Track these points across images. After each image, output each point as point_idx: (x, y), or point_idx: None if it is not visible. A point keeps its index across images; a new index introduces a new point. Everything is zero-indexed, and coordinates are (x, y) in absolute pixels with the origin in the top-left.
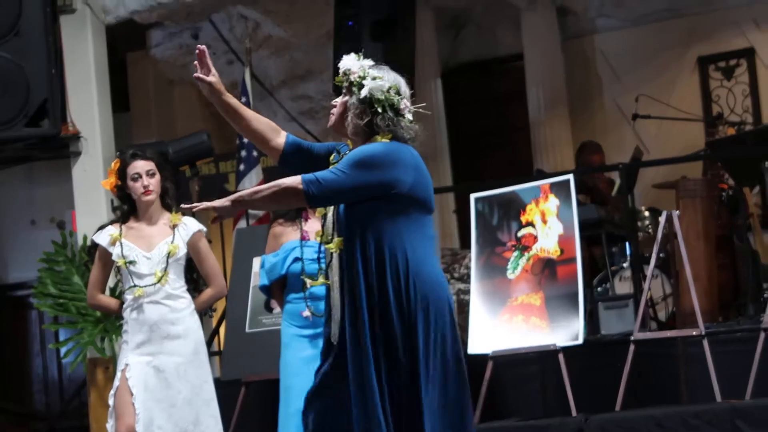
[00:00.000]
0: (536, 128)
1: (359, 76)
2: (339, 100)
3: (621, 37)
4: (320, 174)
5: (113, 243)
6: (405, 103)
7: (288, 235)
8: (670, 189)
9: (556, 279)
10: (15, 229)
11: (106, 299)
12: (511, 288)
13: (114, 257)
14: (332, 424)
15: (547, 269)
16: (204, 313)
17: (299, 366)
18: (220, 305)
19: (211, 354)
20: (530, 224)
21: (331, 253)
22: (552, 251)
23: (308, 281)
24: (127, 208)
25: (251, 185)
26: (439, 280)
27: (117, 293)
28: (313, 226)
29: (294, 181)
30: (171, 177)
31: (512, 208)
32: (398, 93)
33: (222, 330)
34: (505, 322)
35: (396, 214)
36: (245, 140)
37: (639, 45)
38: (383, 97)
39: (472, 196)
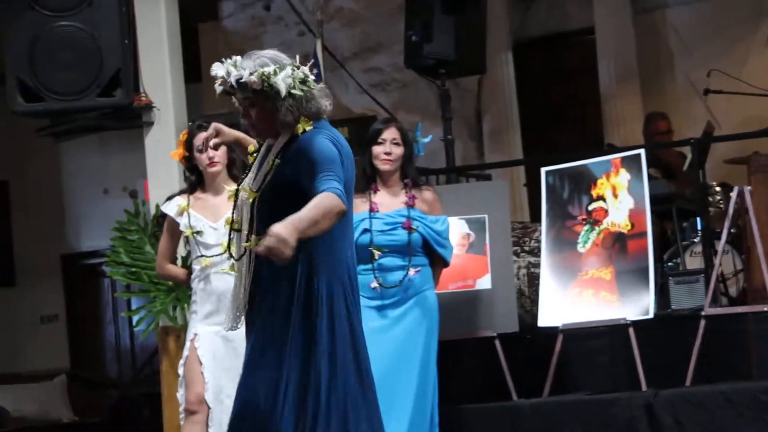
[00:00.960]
0: (607, 102)
1: (263, 80)
2: (250, 114)
3: (692, 11)
4: (339, 185)
5: (181, 213)
6: (304, 71)
7: (357, 206)
8: (742, 164)
9: (626, 253)
10: (88, 198)
11: (174, 269)
12: (582, 262)
13: (181, 227)
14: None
15: (617, 243)
16: None
17: (368, 336)
18: None
19: None
20: (601, 198)
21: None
22: (622, 225)
23: (376, 252)
24: (195, 178)
25: None
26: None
27: (188, 263)
28: (382, 198)
29: (336, 202)
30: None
31: (583, 182)
32: (296, 67)
33: None
34: (575, 296)
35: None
36: None
37: (710, 19)
38: (296, 82)
39: (543, 170)
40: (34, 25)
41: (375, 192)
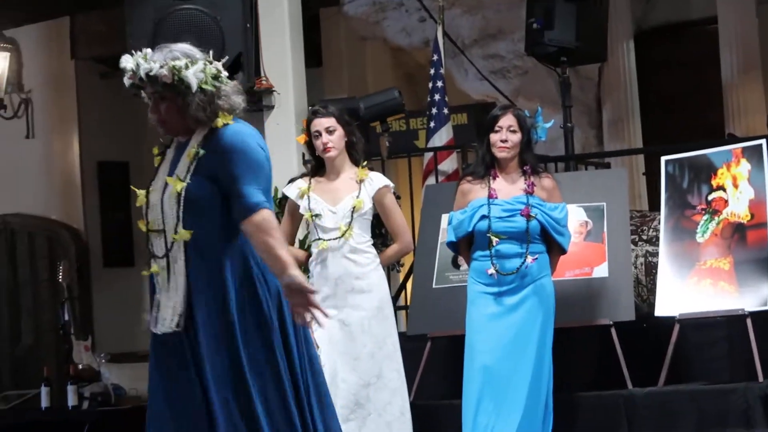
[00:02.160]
0: (729, 92)
1: (174, 74)
2: (160, 109)
3: None
4: (265, 196)
5: (301, 196)
6: (217, 66)
7: (476, 192)
8: None
9: (745, 244)
10: None
11: (294, 251)
12: (700, 251)
13: (301, 210)
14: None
15: (737, 234)
16: (391, 267)
17: (484, 322)
18: (408, 260)
19: (397, 309)
20: (721, 188)
21: (172, 243)
22: (742, 216)
23: (494, 239)
24: (316, 162)
25: (441, 142)
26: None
27: (306, 245)
28: (500, 184)
29: (269, 218)
30: (358, 132)
31: (703, 172)
32: (209, 62)
33: (409, 285)
34: (692, 286)
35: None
36: (436, 97)
37: None
38: (208, 77)
39: (663, 159)
40: (157, 9)
41: (494, 178)
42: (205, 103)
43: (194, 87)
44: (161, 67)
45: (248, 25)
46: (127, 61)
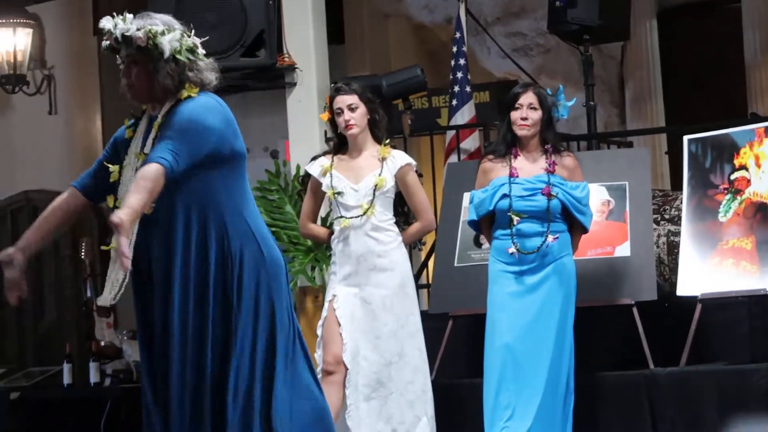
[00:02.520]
0: (752, 71)
1: (149, 38)
2: (131, 72)
3: None
4: (171, 160)
5: (324, 174)
6: (195, 41)
7: (497, 171)
8: None
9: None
10: None
11: (317, 228)
12: (722, 231)
13: (324, 188)
14: None
15: (759, 213)
16: (413, 246)
17: (505, 301)
18: (430, 239)
19: (419, 287)
20: (743, 167)
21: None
22: (765, 195)
23: (515, 218)
24: (338, 140)
25: (463, 120)
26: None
27: (328, 223)
28: (521, 163)
29: (154, 169)
30: (381, 109)
31: (726, 151)
32: (186, 35)
33: (431, 263)
34: (714, 266)
35: (218, 172)
36: (458, 75)
37: None
38: (183, 47)
39: (686, 138)
40: None
41: (515, 157)
42: (175, 72)
43: (167, 53)
44: (138, 29)
45: (270, 2)
46: (106, 22)
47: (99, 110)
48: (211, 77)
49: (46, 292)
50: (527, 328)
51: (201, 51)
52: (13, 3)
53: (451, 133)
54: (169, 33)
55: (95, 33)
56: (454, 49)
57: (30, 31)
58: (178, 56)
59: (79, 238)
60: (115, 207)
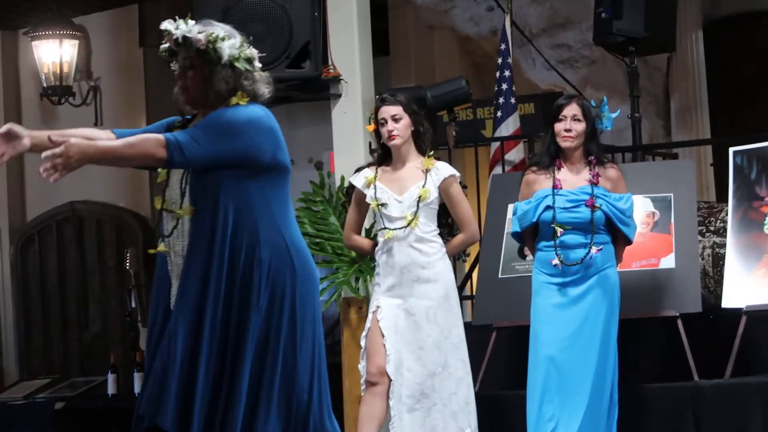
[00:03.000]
0: None
1: (209, 41)
2: (186, 75)
3: None
4: (183, 140)
5: (368, 185)
6: (253, 52)
7: (541, 182)
8: None
9: None
10: None
11: (361, 240)
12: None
13: (368, 199)
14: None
15: None
16: (457, 257)
17: (548, 313)
18: (474, 250)
19: (463, 298)
20: None
21: (177, 219)
22: None
23: (558, 229)
24: (382, 151)
25: (508, 132)
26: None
27: (372, 235)
28: (565, 175)
29: (158, 145)
30: (426, 121)
31: None
32: (245, 44)
33: (475, 275)
34: (760, 278)
35: (258, 182)
36: (503, 87)
37: None
38: (242, 56)
39: (731, 150)
40: None
41: (559, 169)
42: (230, 79)
43: (225, 58)
44: (199, 33)
45: (316, 14)
46: (168, 24)
47: (144, 121)
48: (265, 90)
49: (91, 302)
50: (571, 340)
51: (258, 64)
52: (59, 15)
53: (495, 145)
54: (229, 39)
55: (141, 44)
56: (499, 60)
57: (76, 42)
58: (235, 63)
59: (124, 250)
60: (163, 209)
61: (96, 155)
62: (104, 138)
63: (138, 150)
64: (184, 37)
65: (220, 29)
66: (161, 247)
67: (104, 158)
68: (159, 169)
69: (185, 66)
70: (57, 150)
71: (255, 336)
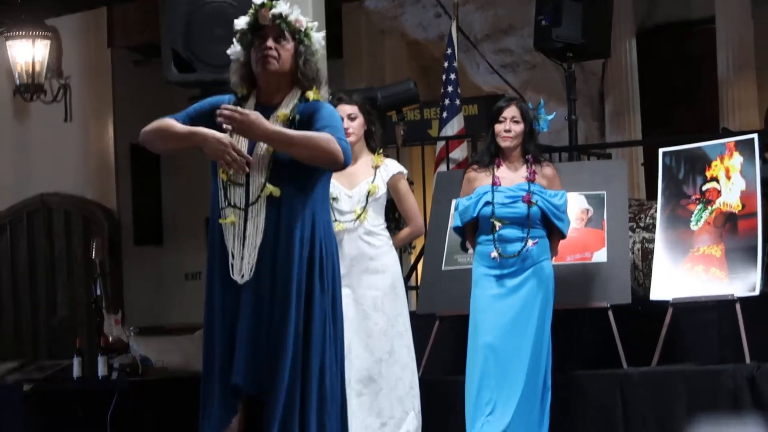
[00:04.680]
0: (724, 88)
1: (306, 27)
2: (282, 45)
3: None
4: (344, 145)
5: None
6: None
7: (481, 180)
8: None
9: (736, 232)
10: None
11: None
12: (694, 239)
13: None
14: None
15: (728, 223)
16: (403, 249)
17: (487, 303)
18: (419, 243)
19: (408, 288)
20: (714, 179)
21: (258, 197)
22: (734, 206)
23: (497, 224)
24: None
25: (452, 132)
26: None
27: None
28: (504, 172)
29: (333, 143)
30: (377, 121)
31: (698, 163)
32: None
33: (420, 266)
34: (686, 271)
35: (322, 184)
36: (449, 89)
37: None
38: (321, 53)
39: (661, 150)
40: (190, 1)
41: (498, 167)
42: (314, 67)
43: (315, 46)
44: (298, 16)
45: None
46: (283, 7)
47: (112, 118)
48: (324, 90)
49: (59, 289)
50: (508, 328)
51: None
52: (32, 16)
53: (441, 144)
54: (320, 34)
55: (109, 45)
56: (446, 64)
57: (48, 42)
58: (318, 56)
59: (90, 239)
60: (229, 182)
61: (269, 133)
62: None
63: (313, 143)
64: (282, 15)
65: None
66: (231, 218)
67: (276, 140)
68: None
69: (280, 37)
70: (241, 110)
71: (321, 315)
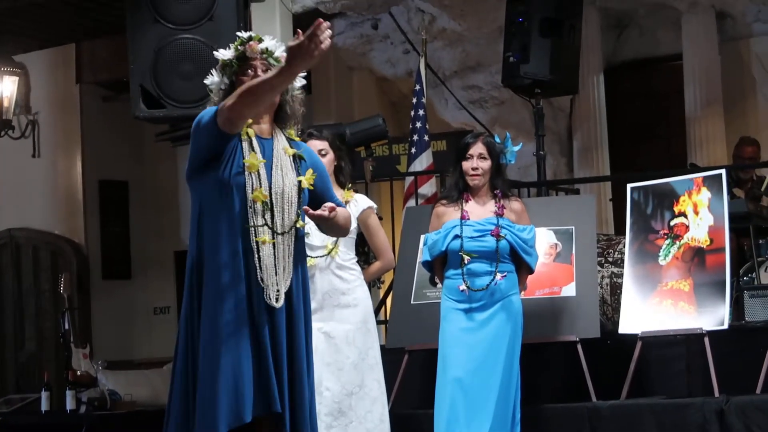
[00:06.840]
0: (692, 124)
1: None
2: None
3: None
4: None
5: None
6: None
7: (450, 214)
8: None
9: (704, 267)
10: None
11: None
12: (662, 274)
13: None
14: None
15: (696, 257)
16: (372, 284)
17: (456, 337)
18: (388, 277)
19: (377, 323)
20: (683, 214)
21: (292, 226)
22: (702, 241)
23: (466, 257)
24: None
25: (421, 167)
26: None
27: None
28: (472, 207)
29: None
30: (346, 156)
31: (666, 199)
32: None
33: (389, 301)
34: (654, 306)
35: None
36: (418, 125)
37: None
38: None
39: (629, 186)
40: (158, 38)
41: (466, 201)
42: (294, 104)
43: (297, 83)
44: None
45: None
46: (250, 34)
47: (80, 154)
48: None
49: (27, 324)
50: (477, 363)
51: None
52: (0, 52)
53: (409, 179)
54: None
55: (78, 81)
56: (414, 100)
57: (16, 78)
58: (299, 93)
59: (58, 274)
60: (257, 198)
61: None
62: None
63: (345, 219)
64: (268, 49)
65: None
66: (266, 238)
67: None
68: (254, 160)
69: (268, 71)
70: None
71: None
